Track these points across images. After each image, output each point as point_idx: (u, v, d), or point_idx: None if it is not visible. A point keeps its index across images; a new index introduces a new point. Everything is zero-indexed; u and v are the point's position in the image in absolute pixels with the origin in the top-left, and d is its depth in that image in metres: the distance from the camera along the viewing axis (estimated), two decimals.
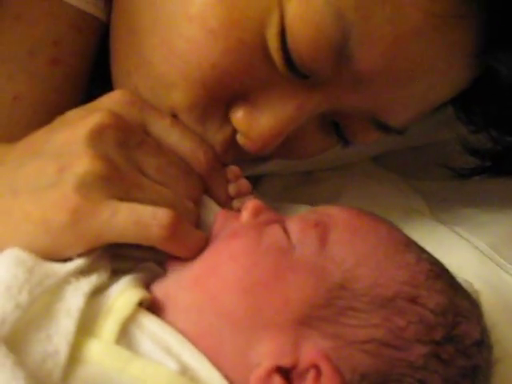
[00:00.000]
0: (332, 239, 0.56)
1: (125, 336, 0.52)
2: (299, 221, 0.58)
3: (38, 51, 0.73)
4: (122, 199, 0.57)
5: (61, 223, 0.55)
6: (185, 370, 0.51)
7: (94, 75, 0.79)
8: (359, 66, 0.62)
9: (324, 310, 0.53)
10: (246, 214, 0.61)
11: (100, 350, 0.51)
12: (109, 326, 0.52)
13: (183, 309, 0.55)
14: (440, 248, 0.62)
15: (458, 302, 0.56)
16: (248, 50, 0.62)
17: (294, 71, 0.63)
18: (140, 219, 0.56)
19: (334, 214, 0.59)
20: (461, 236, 0.79)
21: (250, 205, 0.61)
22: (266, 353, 0.52)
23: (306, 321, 0.53)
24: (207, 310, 0.54)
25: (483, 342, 0.57)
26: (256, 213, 0.60)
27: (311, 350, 0.52)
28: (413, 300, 0.54)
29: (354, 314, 0.53)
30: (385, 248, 0.57)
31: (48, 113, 0.66)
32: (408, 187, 0.93)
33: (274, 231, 0.57)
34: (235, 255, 0.56)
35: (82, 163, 0.56)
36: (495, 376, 0.58)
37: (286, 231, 0.57)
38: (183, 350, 0.53)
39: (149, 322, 0.54)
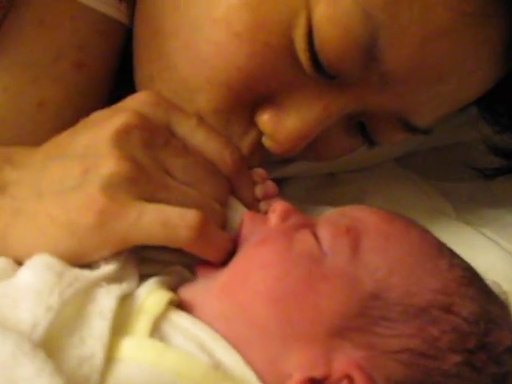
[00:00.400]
0: (364, 246, 0.55)
1: (157, 332, 0.51)
2: (330, 226, 0.56)
3: (62, 56, 0.71)
4: (148, 200, 0.55)
5: (87, 225, 0.53)
6: (218, 365, 0.50)
7: (117, 80, 0.78)
8: (387, 67, 0.61)
9: (356, 320, 0.51)
10: (274, 218, 0.58)
11: (134, 345, 0.50)
12: (141, 324, 0.51)
13: (211, 317, 0.53)
14: (467, 250, 0.61)
15: (490, 308, 0.55)
16: (274, 53, 0.62)
17: (321, 72, 0.62)
18: (167, 220, 0.54)
19: (365, 218, 0.57)
20: (488, 237, 0.78)
21: (278, 207, 0.59)
22: (298, 364, 0.50)
23: (338, 331, 0.51)
24: (236, 320, 0.53)
25: None
26: (284, 216, 0.58)
27: (343, 360, 0.50)
28: (446, 309, 0.52)
29: (387, 324, 0.51)
30: (417, 254, 0.55)
31: (72, 117, 0.65)
32: (432, 189, 0.91)
33: (305, 238, 0.55)
34: (265, 264, 0.54)
35: (108, 164, 0.55)
36: None
37: (316, 237, 0.55)
38: (217, 346, 0.51)
39: (180, 318, 0.53)
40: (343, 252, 0.54)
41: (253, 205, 0.64)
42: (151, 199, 0.55)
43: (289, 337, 0.51)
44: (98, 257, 0.55)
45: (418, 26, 0.59)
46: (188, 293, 0.56)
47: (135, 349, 0.49)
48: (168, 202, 0.56)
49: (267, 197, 0.65)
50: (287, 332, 0.51)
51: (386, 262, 0.54)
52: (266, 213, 0.62)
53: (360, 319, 0.51)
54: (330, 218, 0.59)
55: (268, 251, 0.55)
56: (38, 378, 0.43)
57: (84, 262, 0.54)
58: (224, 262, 0.57)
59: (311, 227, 0.57)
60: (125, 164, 0.55)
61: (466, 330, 0.52)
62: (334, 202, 0.77)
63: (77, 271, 0.53)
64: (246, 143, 0.68)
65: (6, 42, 0.69)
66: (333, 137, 0.70)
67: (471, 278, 0.56)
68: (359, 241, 0.55)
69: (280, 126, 0.65)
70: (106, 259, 0.55)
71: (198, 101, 0.65)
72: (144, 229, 0.54)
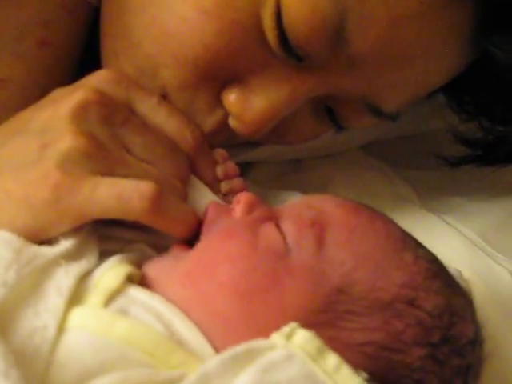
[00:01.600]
0: (329, 240, 0.52)
1: (113, 304, 0.49)
2: (294, 219, 0.54)
3: (26, 33, 0.68)
4: (105, 176, 0.53)
5: (42, 200, 0.51)
6: (172, 336, 0.48)
7: (84, 60, 0.74)
8: (354, 49, 0.58)
9: (322, 314, 0.49)
10: (239, 210, 0.56)
11: (84, 314, 0.48)
12: (94, 297, 0.49)
13: (173, 302, 0.50)
14: (429, 236, 0.58)
15: (454, 301, 0.53)
16: (242, 31, 0.59)
17: (289, 52, 0.59)
18: (122, 192, 0.52)
19: (330, 210, 0.55)
20: (450, 225, 0.76)
21: (242, 199, 0.56)
22: None
23: (303, 326, 0.48)
24: (198, 309, 0.50)
25: (476, 341, 0.54)
26: (249, 208, 0.56)
27: None
28: (411, 302, 0.51)
29: (353, 318, 0.49)
30: (383, 247, 0.53)
31: (36, 95, 0.62)
32: (397, 176, 0.89)
33: (270, 232, 0.53)
34: (231, 257, 0.51)
35: (65, 139, 0.53)
36: (488, 370, 0.55)
37: (281, 232, 0.53)
38: (175, 318, 0.49)
39: (138, 292, 0.51)
40: (308, 246, 0.52)
41: (213, 184, 0.62)
42: (108, 175, 0.53)
43: (252, 330, 0.49)
44: (55, 233, 0.53)
45: (386, 9, 0.57)
46: (152, 270, 0.54)
47: (85, 318, 0.48)
48: (126, 178, 0.53)
49: (228, 177, 0.63)
50: (250, 325, 0.49)
51: (352, 255, 0.52)
52: (225, 193, 0.61)
53: (325, 314, 0.49)
54: (295, 210, 0.56)
55: (234, 244, 0.53)
56: None
57: (42, 239, 0.52)
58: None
59: (276, 220, 0.55)
60: (82, 139, 0.53)
61: (429, 323, 0.50)
62: (299, 188, 0.75)
63: (35, 248, 0.51)
64: (211, 122, 0.65)
65: None
66: (300, 120, 0.68)
67: (436, 270, 0.54)
68: (324, 234, 0.53)
69: (247, 106, 0.63)
70: (65, 235, 0.53)
71: (163, 77, 0.63)
72: (99, 202, 0.52)
